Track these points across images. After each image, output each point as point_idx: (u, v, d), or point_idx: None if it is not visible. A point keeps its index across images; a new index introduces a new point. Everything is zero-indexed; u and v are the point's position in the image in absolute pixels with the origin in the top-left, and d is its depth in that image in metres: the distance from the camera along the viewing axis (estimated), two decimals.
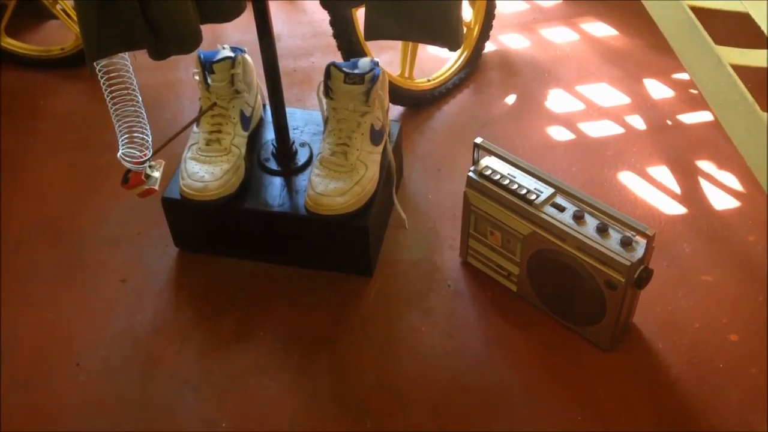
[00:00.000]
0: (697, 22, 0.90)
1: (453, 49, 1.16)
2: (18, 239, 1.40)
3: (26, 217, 1.45)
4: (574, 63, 1.78)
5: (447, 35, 1.14)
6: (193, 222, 1.35)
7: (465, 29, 1.72)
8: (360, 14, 1.15)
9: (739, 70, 0.85)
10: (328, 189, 1.24)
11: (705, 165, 1.50)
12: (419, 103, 1.68)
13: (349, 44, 1.51)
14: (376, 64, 1.30)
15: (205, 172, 1.27)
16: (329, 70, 1.27)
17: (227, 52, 1.33)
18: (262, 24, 1.20)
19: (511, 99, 1.70)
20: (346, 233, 1.28)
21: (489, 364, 1.18)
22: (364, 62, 1.30)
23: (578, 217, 1.11)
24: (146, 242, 1.39)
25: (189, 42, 1.07)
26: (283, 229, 1.31)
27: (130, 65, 1.17)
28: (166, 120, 1.64)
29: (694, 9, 0.93)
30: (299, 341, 1.22)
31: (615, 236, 1.08)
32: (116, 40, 1.03)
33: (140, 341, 1.23)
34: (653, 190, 1.45)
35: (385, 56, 1.75)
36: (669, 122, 1.61)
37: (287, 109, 1.32)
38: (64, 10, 1.75)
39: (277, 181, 1.33)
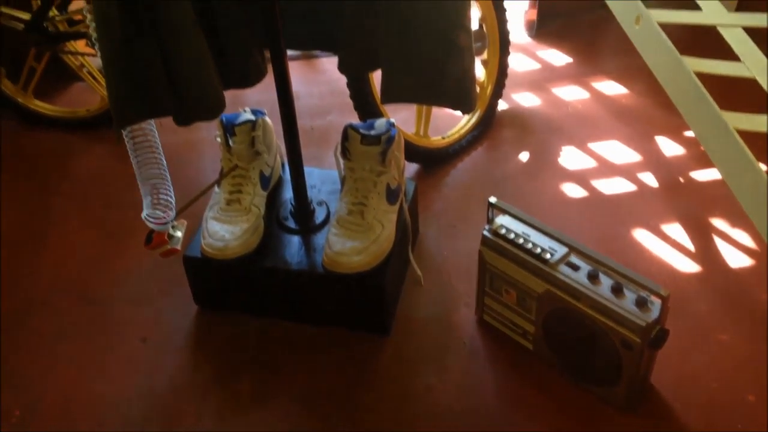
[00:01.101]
0: (703, 89, 0.92)
1: (467, 112, 1.20)
2: (43, 298, 1.43)
3: (51, 276, 1.48)
4: (585, 121, 1.82)
5: (461, 99, 1.18)
6: (214, 280, 1.37)
7: (478, 89, 1.76)
8: (377, 75, 1.20)
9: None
10: (345, 248, 1.26)
11: (718, 222, 1.51)
12: (434, 160, 1.71)
13: (365, 105, 1.55)
14: (392, 125, 1.34)
15: (225, 232, 1.30)
16: (346, 132, 1.30)
17: (248, 115, 1.38)
18: (282, 85, 1.24)
19: (524, 156, 1.73)
20: (363, 291, 1.29)
21: (505, 424, 1.18)
22: (380, 123, 1.34)
23: (593, 277, 1.13)
24: (167, 300, 1.41)
25: (213, 110, 1.11)
26: (301, 287, 1.33)
27: (154, 127, 1.21)
28: (189, 178, 1.68)
29: (700, 74, 0.96)
30: (316, 401, 1.23)
31: (630, 296, 1.09)
32: (143, 109, 1.08)
33: (160, 401, 1.24)
34: (667, 247, 1.46)
35: (401, 114, 1.79)
36: (681, 180, 1.63)
37: (305, 168, 1.36)
38: (90, 73, 1.82)
39: (295, 240, 1.36)
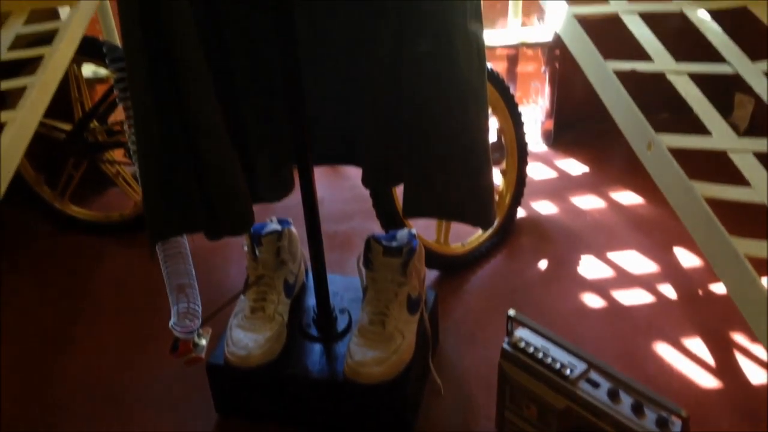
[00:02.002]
0: (712, 216, 0.95)
1: (485, 228, 1.25)
2: (68, 401, 1.45)
3: (76, 379, 1.50)
4: (603, 230, 1.85)
5: (480, 216, 1.23)
6: (235, 387, 1.38)
7: (497, 197, 1.81)
8: (399, 187, 1.25)
9: None
10: (366, 358, 1.28)
11: (739, 337, 1.51)
12: (454, 267, 1.74)
13: (387, 214, 1.60)
14: (414, 236, 1.38)
15: (249, 340, 1.32)
16: (369, 243, 1.34)
17: (275, 225, 1.43)
18: (308, 198, 1.28)
19: (543, 264, 1.75)
20: (384, 402, 1.30)
21: None
22: (402, 235, 1.38)
23: (613, 395, 1.13)
24: (189, 407, 1.42)
25: (242, 226, 1.17)
26: (321, 395, 1.34)
27: (185, 237, 1.27)
28: (215, 282, 1.72)
29: (710, 200, 0.99)
30: None
31: (651, 416, 1.09)
32: (177, 225, 1.14)
33: None
34: (687, 362, 1.46)
35: (422, 221, 1.82)
36: (700, 292, 1.64)
37: (328, 275, 1.39)
38: (125, 180, 1.89)
39: (317, 348, 1.38)
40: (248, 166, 1.21)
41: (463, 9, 1.07)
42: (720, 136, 1.16)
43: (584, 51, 1.38)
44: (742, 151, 1.12)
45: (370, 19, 1.08)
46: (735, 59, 1.34)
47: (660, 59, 1.35)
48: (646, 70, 1.32)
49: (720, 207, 0.97)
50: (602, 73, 1.29)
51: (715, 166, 1.12)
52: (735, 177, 1.07)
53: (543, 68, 2.16)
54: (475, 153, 1.16)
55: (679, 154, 1.06)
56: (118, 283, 1.77)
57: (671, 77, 1.29)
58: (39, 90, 1.28)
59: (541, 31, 2.08)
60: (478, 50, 1.12)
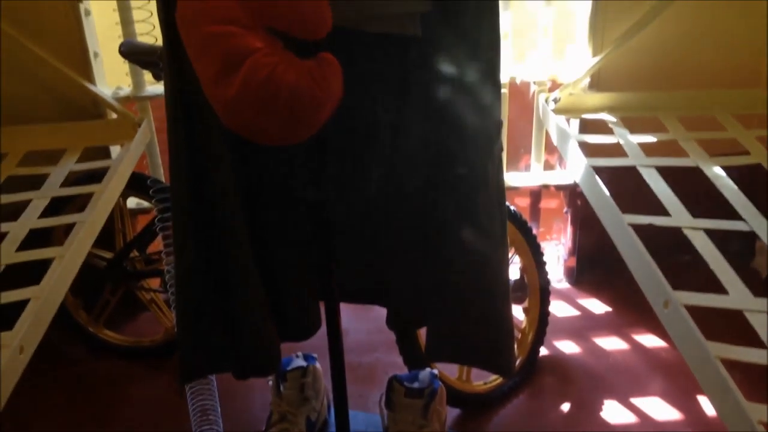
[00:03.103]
0: (728, 378, 0.97)
1: (506, 376, 1.27)
2: None
3: None
4: (626, 373, 1.85)
5: (501, 365, 1.25)
6: None
7: (520, 335, 1.83)
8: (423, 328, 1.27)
9: None
10: None
11: None
12: (476, 405, 1.74)
13: (410, 353, 1.63)
14: (436, 376, 1.40)
15: None
16: (391, 384, 1.37)
17: (300, 361, 1.46)
18: (333, 336, 1.31)
19: (565, 407, 1.74)
20: None
21: None
22: (424, 375, 1.41)
23: None
24: None
25: (270, 369, 1.21)
26: None
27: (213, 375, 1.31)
28: (238, 410, 1.73)
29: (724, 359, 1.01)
30: None
31: None
32: (208, 368, 1.18)
33: None
34: None
35: None
36: None
37: (350, 412, 1.40)
38: (157, 306, 1.95)
39: None
40: (277, 305, 1.26)
41: (485, 166, 1.13)
42: (736, 295, 1.19)
43: (602, 203, 1.44)
44: (758, 311, 1.15)
45: (399, 179, 1.15)
46: (750, 216, 1.39)
47: (677, 214, 1.40)
48: (663, 224, 1.38)
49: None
50: (620, 227, 1.35)
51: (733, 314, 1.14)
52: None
53: (565, 209, 2.22)
54: (496, 304, 1.20)
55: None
56: (144, 409, 1.79)
57: (688, 233, 1.34)
58: (87, 228, 1.37)
59: (563, 174, 2.16)
60: (500, 201, 1.16)
